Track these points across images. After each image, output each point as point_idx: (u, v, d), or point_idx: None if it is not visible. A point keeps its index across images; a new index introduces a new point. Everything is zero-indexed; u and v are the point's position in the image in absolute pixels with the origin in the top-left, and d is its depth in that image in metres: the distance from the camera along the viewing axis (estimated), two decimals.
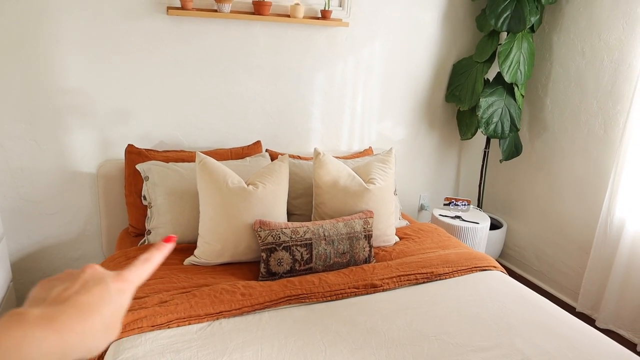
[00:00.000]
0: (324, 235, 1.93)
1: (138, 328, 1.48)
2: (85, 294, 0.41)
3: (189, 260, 1.96)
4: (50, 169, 2.29)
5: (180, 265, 1.93)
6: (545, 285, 3.04)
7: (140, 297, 1.64)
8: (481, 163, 3.18)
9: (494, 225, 3.18)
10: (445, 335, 1.54)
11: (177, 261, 1.96)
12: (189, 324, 1.54)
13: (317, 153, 2.18)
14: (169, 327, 1.51)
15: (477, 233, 2.81)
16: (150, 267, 0.48)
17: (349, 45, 2.69)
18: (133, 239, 2.23)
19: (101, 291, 0.42)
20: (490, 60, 2.81)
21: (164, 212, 2.11)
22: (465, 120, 3.00)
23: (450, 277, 1.94)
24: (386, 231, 2.20)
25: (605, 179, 2.60)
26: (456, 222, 2.83)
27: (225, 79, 2.48)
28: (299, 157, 2.50)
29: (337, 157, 2.43)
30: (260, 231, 1.88)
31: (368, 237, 2.02)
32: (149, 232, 2.12)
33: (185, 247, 2.06)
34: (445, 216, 2.91)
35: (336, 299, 1.74)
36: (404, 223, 2.51)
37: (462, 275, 1.96)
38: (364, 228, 2.02)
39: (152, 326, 1.49)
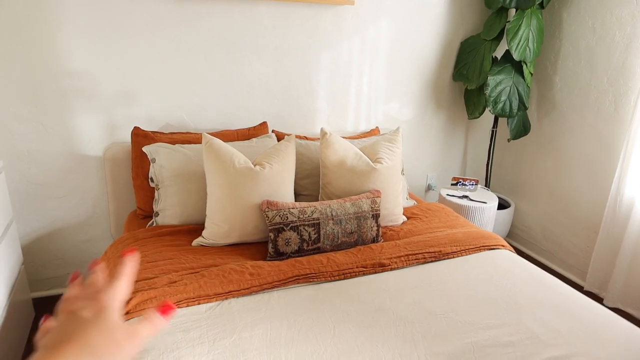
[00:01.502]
0: (332, 215, 1.93)
1: (148, 308, 1.49)
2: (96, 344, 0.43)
3: (197, 241, 1.96)
4: (57, 152, 2.29)
5: (188, 247, 1.93)
6: (552, 264, 3.04)
7: (150, 278, 1.65)
8: (489, 142, 3.15)
9: (502, 205, 3.16)
10: (454, 313, 1.54)
11: (185, 242, 1.96)
12: (198, 303, 1.55)
13: (323, 133, 2.17)
14: (178, 307, 1.52)
15: (485, 213, 2.80)
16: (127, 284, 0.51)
17: (355, 25, 2.65)
18: (141, 221, 2.24)
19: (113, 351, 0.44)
20: (499, 38, 2.76)
21: (172, 194, 2.11)
22: (472, 99, 2.96)
23: (458, 256, 1.94)
24: (394, 210, 2.19)
25: (615, 157, 2.57)
26: (464, 201, 2.82)
27: (230, 60, 2.46)
28: (306, 138, 2.48)
29: (343, 137, 2.41)
30: (268, 211, 1.88)
31: (376, 217, 2.02)
32: (157, 214, 2.12)
33: (193, 229, 2.07)
34: (453, 196, 2.90)
35: (344, 278, 1.74)
36: (412, 203, 2.50)
37: (470, 254, 1.96)
38: (372, 207, 2.01)
39: None
